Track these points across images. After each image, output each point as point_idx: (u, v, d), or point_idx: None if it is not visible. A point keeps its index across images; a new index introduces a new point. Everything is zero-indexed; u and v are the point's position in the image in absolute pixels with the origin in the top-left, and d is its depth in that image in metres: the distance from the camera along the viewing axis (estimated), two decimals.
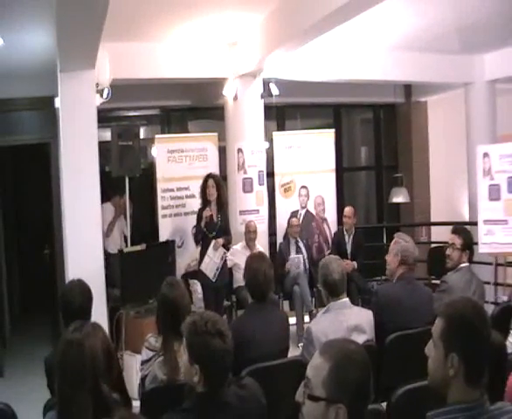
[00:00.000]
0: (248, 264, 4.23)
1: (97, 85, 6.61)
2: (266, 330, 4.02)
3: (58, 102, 6.80)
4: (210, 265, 7.26)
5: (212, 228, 7.25)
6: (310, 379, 2.01)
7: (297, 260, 8.27)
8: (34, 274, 9.93)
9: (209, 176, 7.36)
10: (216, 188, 7.25)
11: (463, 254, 5.06)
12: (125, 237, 8.14)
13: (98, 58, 5.99)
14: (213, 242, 7.25)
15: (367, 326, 4.14)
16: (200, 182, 7.49)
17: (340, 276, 4.09)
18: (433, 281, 7.77)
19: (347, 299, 4.16)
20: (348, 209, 8.70)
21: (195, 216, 7.50)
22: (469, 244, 5.15)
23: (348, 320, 4.04)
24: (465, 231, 5.25)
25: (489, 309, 5.60)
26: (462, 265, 5.06)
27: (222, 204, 7.38)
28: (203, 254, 7.32)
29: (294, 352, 4.76)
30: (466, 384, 2.09)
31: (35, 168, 9.76)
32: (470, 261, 5.16)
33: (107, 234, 7.74)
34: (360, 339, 3.93)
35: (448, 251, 5.13)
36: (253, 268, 4.15)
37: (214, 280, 7.27)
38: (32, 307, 10.13)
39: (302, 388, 2.05)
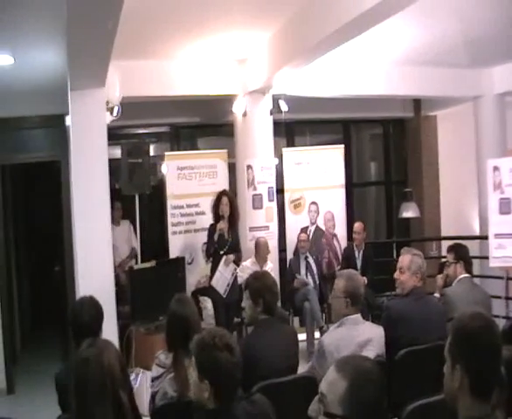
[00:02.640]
0: (252, 283, 4.24)
1: (107, 102, 6.65)
2: (275, 346, 4.01)
3: (68, 120, 6.85)
4: (220, 281, 7.26)
5: (223, 244, 7.26)
6: (326, 395, 2.00)
7: (303, 279, 8.29)
8: (44, 291, 9.98)
9: (223, 193, 7.37)
10: (229, 206, 7.27)
11: (457, 266, 5.11)
12: (133, 250, 8.20)
13: (108, 76, 6.03)
14: (224, 257, 7.26)
15: (378, 342, 4.12)
16: (210, 198, 7.52)
17: (363, 290, 4.23)
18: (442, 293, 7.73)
19: (359, 315, 4.17)
20: (357, 225, 8.70)
21: (205, 233, 7.51)
22: (461, 256, 5.19)
23: (360, 336, 4.04)
24: (455, 246, 5.35)
25: (501, 323, 5.58)
26: (461, 277, 5.08)
27: (234, 222, 7.40)
28: (213, 270, 7.33)
29: (304, 368, 4.74)
30: (472, 397, 2.08)
31: (46, 185, 9.82)
32: (469, 272, 5.17)
33: None
34: (371, 354, 3.92)
35: (445, 270, 5.25)
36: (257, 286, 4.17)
37: (225, 296, 7.28)
38: (43, 324, 10.16)
39: (316, 403, 2.05)
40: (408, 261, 4.57)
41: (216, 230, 7.20)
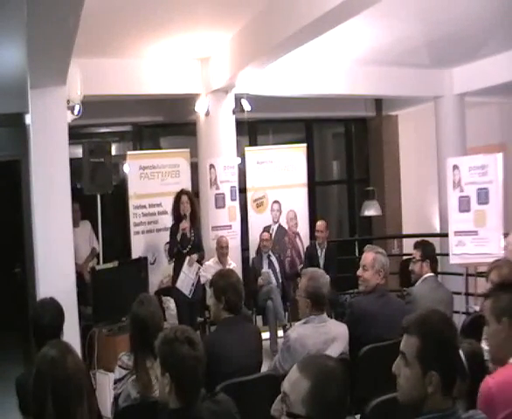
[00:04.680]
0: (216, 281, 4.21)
1: (68, 101, 6.56)
2: (239, 344, 4.01)
3: (28, 119, 6.75)
4: (185, 282, 7.24)
5: (186, 244, 7.25)
6: (288, 395, 2.00)
7: (267, 274, 8.29)
8: (4, 293, 9.80)
9: (182, 192, 7.37)
10: (190, 204, 7.26)
11: (423, 264, 5.16)
12: (93, 250, 8.13)
13: (69, 74, 5.96)
14: (188, 258, 7.25)
15: (342, 340, 4.17)
16: (172, 198, 7.47)
17: (327, 292, 4.16)
18: (405, 292, 7.82)
19: (325, 315, 4.19)
20: (320, 224, 8.73)
21: (167, 233, 7.48)
22: (428, 254, 5.23)
23: (326, 333, 4.08)
24: (423, 243, 5.38)
25: (461, 319, 5.68)
26: (426, 275, 5.14)
27: (195, 220, 7.39)
28: (177, 271, 7.30)
29: (267, 367, 4.75)
30: (442, 396, 2.08)
31: (6, 185, 9.65)
32: (434, 271, 5.24)
33: None
34: (336, 351, 3.97)
35: (411, 266, 5.27)
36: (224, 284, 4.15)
37: (190, 296, 7.27)
38: (3, 327, 9.97)
39: (279, 402, 2.04)
40: (371, 259, 4.61)
41: (178, 229, 7.17)
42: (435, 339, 2.11)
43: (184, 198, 7.27)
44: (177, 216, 7.27)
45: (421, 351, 2.11)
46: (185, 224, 7.18)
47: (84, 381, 2.44)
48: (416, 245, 5.38)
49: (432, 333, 2.13)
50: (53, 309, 3.71)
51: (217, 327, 4.30)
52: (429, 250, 5.29)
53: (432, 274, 5.18)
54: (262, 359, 4.29)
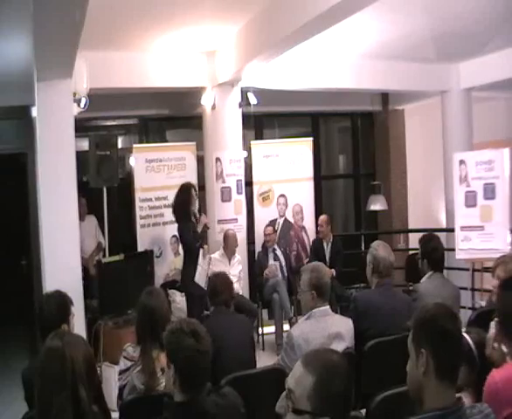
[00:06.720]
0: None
1: (74, 94, 6.57)
2: (232, 332, 4.26)
3: (34, 112, 6.75)
4: (202, 274, 7.23)
5: (198, 237, 7.24)
6: (293, 391, 2.00)
7: (274, 267, 8.30)
8: (10, 285, 9.83)
9: (192, 186, 7.30)
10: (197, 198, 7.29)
11: (424, 262, 5.00)
12: (99, 244, 8.15)
13: (75, 67, 5.96)
14: (201, 250, 7.21)
15: (347, 334, 4.16)
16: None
17: (329, 281, 4.22)
18: (411, 288, 7.80)
19: (328, 307, 4.19)
20: (321, 218, 8.69)
21: (173, 226, 7.45)
22: (424, 253, 5.03)
23: (329, 328, 4.07)
24: (422, 241, 5.17)
25: (467, 314, 5.65)
26: (431, 272, 4.99)
27: (201, 213, 7.40)
28: (191, 265, 7.23)
29: (272, 360, 4.78)
30: (437, 380, 2.10)
31: (12, 178, 9.68)
32: (435, 269, 4.98)
33: None
34: (340, 346, 3.96)
35: (419, 264, 5.09)
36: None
37: (206, 288, 7.31)
38: (9, 320, 10.01)
39: (284, 399, 2.04)
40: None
41: (201, 222, 7.14)
42: (422, 319, 2.19)
43: (194, 192, 7.23)
44: (189, 210, 7.15)
45: (413, 334, 2.19)
46: (206, 218, 7.23)
47: (69, 375, 2.43)
48: (418, 242, 5.26)
49: (421, 315, 2.20)
50: (57, 301, 3.72)
51: (211, 314, 4.83)
52: (426, 248, 5.04)
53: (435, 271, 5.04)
54: (255, 345, 4.51)
